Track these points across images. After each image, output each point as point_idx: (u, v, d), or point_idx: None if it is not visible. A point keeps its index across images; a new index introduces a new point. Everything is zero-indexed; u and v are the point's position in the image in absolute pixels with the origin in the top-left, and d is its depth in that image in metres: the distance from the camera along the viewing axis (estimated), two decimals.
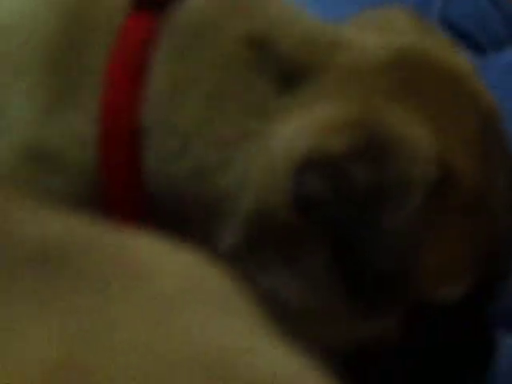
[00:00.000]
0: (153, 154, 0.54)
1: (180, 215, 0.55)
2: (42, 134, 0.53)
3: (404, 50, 0.55)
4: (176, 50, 0.55)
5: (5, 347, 0.29)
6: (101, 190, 0.54)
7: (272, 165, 0.52)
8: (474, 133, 0.55)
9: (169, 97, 0.54)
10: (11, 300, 0.28)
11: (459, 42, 0.63)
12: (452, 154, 0.52)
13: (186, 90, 0.54)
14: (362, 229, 0.50)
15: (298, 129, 0.52)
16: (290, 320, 0.42)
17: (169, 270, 0.30)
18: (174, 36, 0.55)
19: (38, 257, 0.29)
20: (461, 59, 0.58)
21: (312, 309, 0.54)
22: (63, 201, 0.46)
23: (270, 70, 0.53)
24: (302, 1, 0.61)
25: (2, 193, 0.36)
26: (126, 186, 0.55)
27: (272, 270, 0.53)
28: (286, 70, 0.53)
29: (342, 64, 0.54)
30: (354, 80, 0.53)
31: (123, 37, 0.55)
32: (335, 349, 0.53)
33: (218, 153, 0.53)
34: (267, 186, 0.52)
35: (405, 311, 0.54)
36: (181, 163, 0.54)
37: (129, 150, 0.54)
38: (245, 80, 0.54)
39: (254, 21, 0.55)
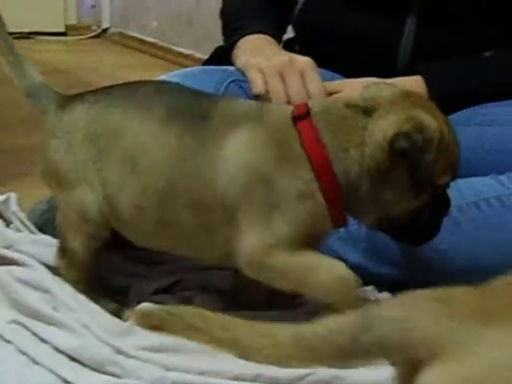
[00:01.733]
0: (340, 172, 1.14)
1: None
2: None
3: (404, 92, 1.18)
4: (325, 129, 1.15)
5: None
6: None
7: (377, 139, 1.11)
8: (445, 120, 1.16)
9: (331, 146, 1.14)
10: None
11: None
12: (442, 129, 1.12)
13: (337, 141, 1.14)
14: (421, 161, 1.08)
15: (384, 125, 1.12)
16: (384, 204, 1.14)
17: None
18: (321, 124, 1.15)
19: None
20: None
21: (396, 196, 1.13)
22: None
23: (361, 113, 1.14)
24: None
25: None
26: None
27: (382, 184, 1.12)
28: (366, 110, 1.14)
29: (383, 102, 1.15)
30: (394, 106, 1.14)
31: (305, 133, 1.14)
32: (400, 216, 1.15)
33: (355, 150, 1.13)
34: (376, 148, 1.11)
35: (432, 191, 1.13)
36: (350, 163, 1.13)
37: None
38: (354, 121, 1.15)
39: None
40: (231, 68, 1.63)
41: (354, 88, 1.50)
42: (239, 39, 1.66)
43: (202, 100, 1.23)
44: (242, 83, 1.57)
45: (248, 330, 0.84)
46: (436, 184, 1.13)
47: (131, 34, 4.09)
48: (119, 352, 1.16)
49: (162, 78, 1.60)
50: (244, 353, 0.82)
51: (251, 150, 1.14)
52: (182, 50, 3.51)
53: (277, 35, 1.69)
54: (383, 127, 1.11)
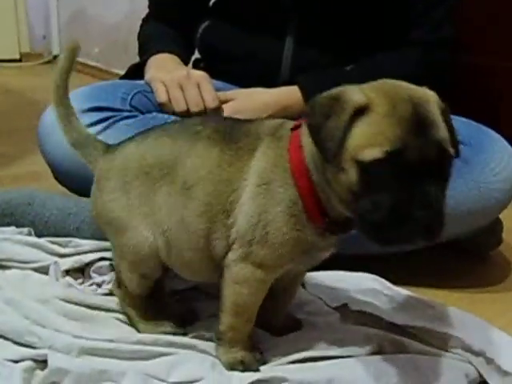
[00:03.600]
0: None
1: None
2: None
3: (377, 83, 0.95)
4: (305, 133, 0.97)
5: None
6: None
7: None
8: (397, 99, 0.89)
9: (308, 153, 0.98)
10: None
11: None
12: (373, 100, 0.89)
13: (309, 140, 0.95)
14: (319, 124, 0.90)
15: None
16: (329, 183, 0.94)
17: None
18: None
19: None
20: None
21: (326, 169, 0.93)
22: None
23: None
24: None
25: None
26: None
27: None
28: None
29: None
30: None
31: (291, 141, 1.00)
32: (345, 197, 0.91)
33: None
34: None
35: (357, 170, 0.88)
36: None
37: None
38: None
39: None
40: (139, 81, 1.62)
41: (244, 96, 1.53)
42: (149, 57, 1.66)
43: (241, 123, 1.09)
44: (147, 93, 1.57)
45: None
46: (358, 159, 0.88)
47: (77, 59, 4.04)
48: (36, 323, 1.12)
49: (83, 88, 1.59)
50: None
51: (262, 160, 1.01)
52: (118, 71, 3.48)
53: (182, 54, 1.69)
54: None
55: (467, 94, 2.02)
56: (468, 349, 1.10)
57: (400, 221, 0.86)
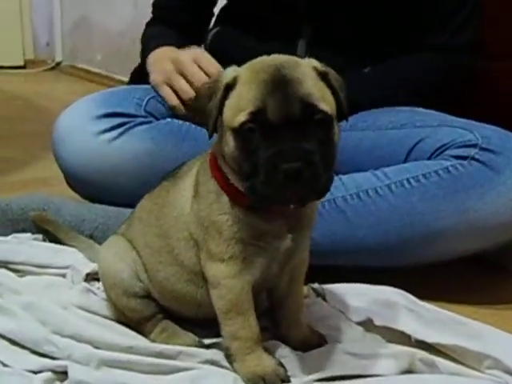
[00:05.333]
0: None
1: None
2: None
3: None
4: None
5: None
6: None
7: None
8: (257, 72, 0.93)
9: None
10: None
11: None
12: (240, 73, 0.94)
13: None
14: (204, 106, 0.96)
15: None
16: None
17: None
18: None
19: None
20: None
21: None
22: None
23: None
24: None
25: None
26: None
27: None
28: None
29: None
30: None
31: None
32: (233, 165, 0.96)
33: None
34: None
35: (233, 137, 0.92)
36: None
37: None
38: None
39: None
40: (150, 86, 1.57)
41: None
42: (149, 54, 1.60)
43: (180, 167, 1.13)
44: (159, 98, 1.55)
45: None
46: (231, 127, 0.92)
47: (80, 66, 3.99)
48: (54, 330, 1.07)
49: (97, 94, 1.57)
50: None
51: (195, 175, 1.05)
52: (121, 77, 3.43)
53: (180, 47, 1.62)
54: None
55: (492, 100, 1.94)
56: (506, 370, 1.03)
57: (270, 176, 0.88)
